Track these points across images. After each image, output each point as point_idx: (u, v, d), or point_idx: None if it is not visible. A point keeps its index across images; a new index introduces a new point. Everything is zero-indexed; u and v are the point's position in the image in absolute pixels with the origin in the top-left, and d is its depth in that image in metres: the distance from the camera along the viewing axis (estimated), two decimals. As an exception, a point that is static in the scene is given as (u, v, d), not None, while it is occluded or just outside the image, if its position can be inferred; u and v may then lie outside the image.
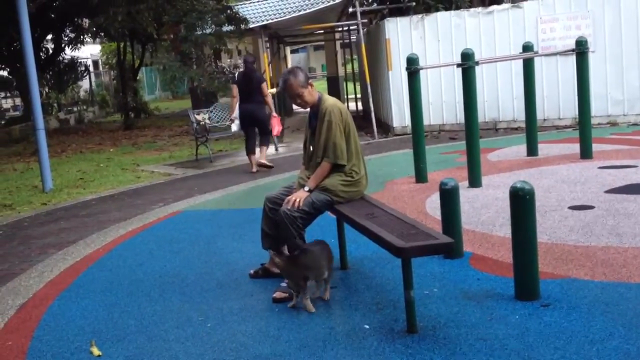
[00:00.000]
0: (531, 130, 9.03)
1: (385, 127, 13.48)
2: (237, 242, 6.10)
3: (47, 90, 24.14)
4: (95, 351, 3.86)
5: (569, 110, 11.87)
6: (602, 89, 11.79)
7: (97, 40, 29.49)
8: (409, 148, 10.31)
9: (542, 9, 12.06)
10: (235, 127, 11.09)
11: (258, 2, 23.99)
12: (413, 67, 7.56)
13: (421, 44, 12.76)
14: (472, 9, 12.86)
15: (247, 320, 4.20)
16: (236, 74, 11.07)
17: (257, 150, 10.57)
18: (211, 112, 12.77)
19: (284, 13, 15.96)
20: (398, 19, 12.95)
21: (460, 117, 12.34)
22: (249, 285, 4.86)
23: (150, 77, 38.36)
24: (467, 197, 6.89)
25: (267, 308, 4.39)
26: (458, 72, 11.45)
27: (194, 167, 11.52)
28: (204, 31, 17.53)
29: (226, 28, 17.70)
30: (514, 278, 4.08)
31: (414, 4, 13.00)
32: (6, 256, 6.44)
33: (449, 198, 4.91)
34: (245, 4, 19.65)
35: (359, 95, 22.04)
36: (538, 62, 10.53)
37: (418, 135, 7.86)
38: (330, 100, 4.71)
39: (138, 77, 27.05)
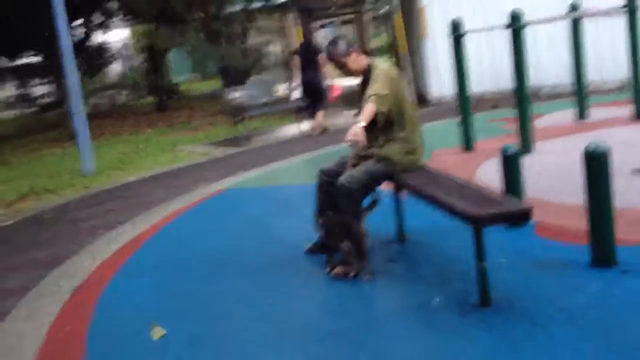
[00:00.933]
0: (581, 93, 8.71)
1: (421, 98, 13.21)
2: (286, 219, 5.96)
3: (79, 75, 24.18)
4: (158, 331, 3.76)
5: (612, 73, 11.44)
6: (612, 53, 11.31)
7: (127, 23, 29.45)
8: (449, 118, 10.13)
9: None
10: (297, 94, 11.75)
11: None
12: (458, 33, 7.29)
13: (457, 7, 12.40)
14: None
15: (308, 297, 4.08)
16: (298, 46, 12.18)
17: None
18: (246, 89, 12.61)
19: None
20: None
21: (501, 84, 12.06)
22: (306, 261, 4.72)
23: (179, 58, 38.27)
24: (527, 164, 6.62)
25: (327, 283, 4.25)
26: (499, 37, 11.30)
27: (232, 145, 11.40)
28: (234, 8, 17.40)
29: (255, 5, 17.57)
30: (591, 244, 3.86)
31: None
32: (55, 239, 6.41)
33: (510, 165, 4.70)
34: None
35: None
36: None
37: (465, 103, 7.61)
38: (382, 65, 4.53)
39: (168, 59, 26.98)
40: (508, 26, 7.01)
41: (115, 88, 28.03)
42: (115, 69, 29.37)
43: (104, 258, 5.42)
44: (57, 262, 5.52)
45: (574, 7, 8.45)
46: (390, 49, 20.62)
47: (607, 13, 9.77)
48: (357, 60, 4.54)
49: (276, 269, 4.66)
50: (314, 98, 11.41)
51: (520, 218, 3.29)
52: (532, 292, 3.65)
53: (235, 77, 18.45)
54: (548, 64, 11.90)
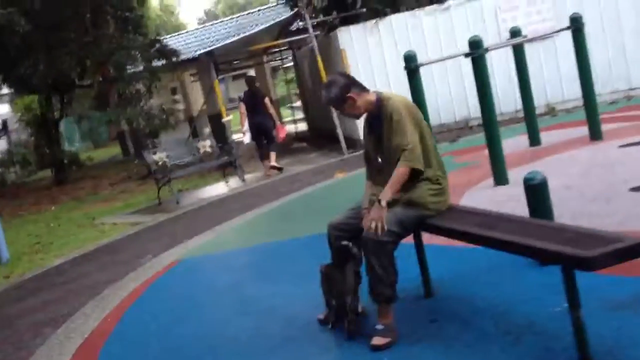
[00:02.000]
0: (531, 118, 8.51)
1: (350, 142, 12.77)
2: (271, 285, 5.20)
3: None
4: None
5: (542, 97, 11.49)
6: (572, 71, 11.46)
7: (6, 97, 27.74)
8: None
9: (500, -2, 11.73)
10: (247, 139, 12.12)
11: (187, 33, 23.14)
12: (414, 64, 6.86)
13: (378, 50, 12.17)
14: (427, 7, 12.38)
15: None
16: (243, 94, 12.57)
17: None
18: (166, 150, 11.72)
19: (220, 39, 15.11)
20: (351, 27, 12.30)
21: (445, 118, 11.84)
22: (324, 334, 3.98)
23: (68, 128, 36.47)
24: (505, 195, 6.24)
25: (370, 357, 3.53)
26: (450, 67, 11.08)
27: (162, 212, 10.43)
28: (135, 69, 16.47)
29: (157, 64, 16.72)
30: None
31: (364, 10, 12.41)
32: (-10, 347, 5.30)
33: (538, 194, 4.19)
34: (175, 36, 18.71)
35: (296, 117, 21.40)
36: (496, 54, 9.95)
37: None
38: (395, 98, 3.93)
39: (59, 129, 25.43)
40: (467, 55, 6.68)
41: (2, 166, 26.04)
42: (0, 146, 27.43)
43: (67, 362, 4.44)
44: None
45: (513, 34, 8.29)
46: (301, 96, 20.26)
47: (554, 33, 9.68)
48: (356, 104, 3.90)
49: (292, 347, 3.89)
50: (265, 140, 11.99)
51: (634, 254, 2.73)
52: (630, 339, 3.10)
53: (137, 140, 17.35)
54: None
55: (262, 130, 11.84)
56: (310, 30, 12.07)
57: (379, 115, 3.88)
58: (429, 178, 3.82)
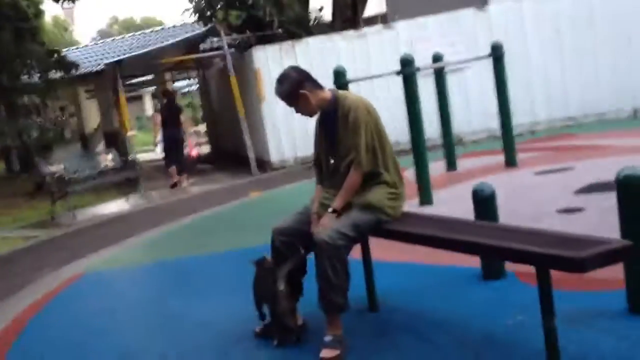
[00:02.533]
0: (449, 143, 8.57)
1: (260, 163, 12.47)
2: (196, 299, 4.78)
3: None
4: None
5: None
6: (480, 104, 11.79)
7: None
8: (297, 181, 9.55)
9: (415, 29, 11.89)
10: (159, 150, 13.24)
11: (85, 47, 22.08)
12: (343, 81, 6.70)
13: (294, 71, 12.01)
14: (344, 32, 12.38)
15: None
16: (160, 105, 13.80)
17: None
18: (64, 163, 10.97)
19: (123, 54, 14.45)
20: (267, 47, 12.09)
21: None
22: (264, 349, 3.65)
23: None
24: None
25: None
26: (378, 89, 10.95)
27: (56, 227, 9.68)
28: (31, 78, 15.51)
29: (54, 76, 15.82)
30: (627, 290, 3.30)
31: (280, 31, 12.25)
32: None
33: (486, 207, 4.07)
34: (73, 49, 17.81)
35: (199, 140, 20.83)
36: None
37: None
38: (352, 97, 3.71)
39: None
40: (399, 73, 6.61)
41: None
42: None
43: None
44: None
45: (436, 59, 8.36)
46: (205, 115, 19.49)
47: (473, 59, 9.82)
48: (309, 101, 3.63)
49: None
50: (175, 153, 12.41)
51: (623, 256, 2.62)
52: (595, 351, 2.99)
53: (27, 155, 16.21)
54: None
55: (175, 144, 12.32)
56: (225, 46, 11.76)
57: (334, 114, 3.64)
58: (386, 182, 3.61)
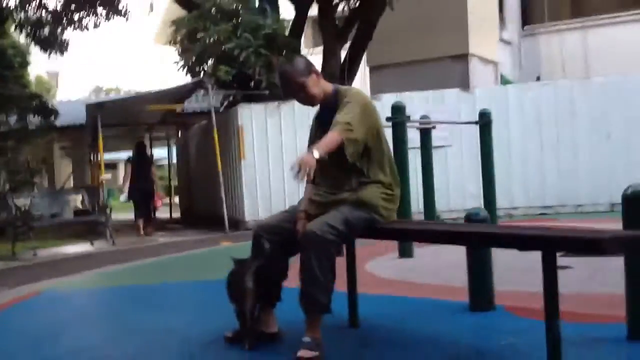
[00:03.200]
0: (430, 209, 8.42)
1: (233, 222, 12.19)
2: (160, 315, 4.46)
3: None
4: None
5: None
6: (459, 182, 11.79)
7: None
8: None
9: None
10: (123, 198, 13.66)
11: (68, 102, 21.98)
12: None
13: (277, 132, 11.98)
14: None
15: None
16: (130, 156, 13.34)
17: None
18: (34, 197, 10.61)
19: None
20: (252, 105, 12.10)
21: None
22: (236, 353, 3.35)
23: None
24: (413, 264, 5.98)
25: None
26: None
27: (14, 260, 9.22)
28: (9, 118, 15.29)
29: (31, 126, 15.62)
30: (630, 319, 3.13)
31: (267, 92, 12.29)
32: None
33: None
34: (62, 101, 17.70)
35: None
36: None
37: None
38: (355, 90, 3.61)
39: None
40: (389, 119, 6.56)
41: None
42: None
43: None
44: None
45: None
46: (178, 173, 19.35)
47: (465, 123, 9.81)
48: (320, 84, 3.52)
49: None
50: (143, 205, 12.58)
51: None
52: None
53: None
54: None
55: (145, 194, 12.49)
56: (211, 99, 11.74)
57: (334, 106, 3.49)
58: (381, 182, 3.43)
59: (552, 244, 2.42)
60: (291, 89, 3.54)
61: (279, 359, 3.12)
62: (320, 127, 3.59)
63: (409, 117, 6.65)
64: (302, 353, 3.06)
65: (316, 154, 3.14)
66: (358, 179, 3.40)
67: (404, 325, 3.72)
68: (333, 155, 3.38)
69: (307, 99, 3.55)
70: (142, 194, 12.40)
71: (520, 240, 2.63)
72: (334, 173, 3.42)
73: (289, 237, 3.38)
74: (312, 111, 12.28)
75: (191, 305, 4.59)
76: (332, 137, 3.26)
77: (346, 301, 3.74)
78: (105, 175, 11.37)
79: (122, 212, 16.25)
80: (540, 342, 2.74)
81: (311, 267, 3.14)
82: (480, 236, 2.82)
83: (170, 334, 3.81)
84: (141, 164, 12.49)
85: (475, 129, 8.81)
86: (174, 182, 22.07)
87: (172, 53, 13.90)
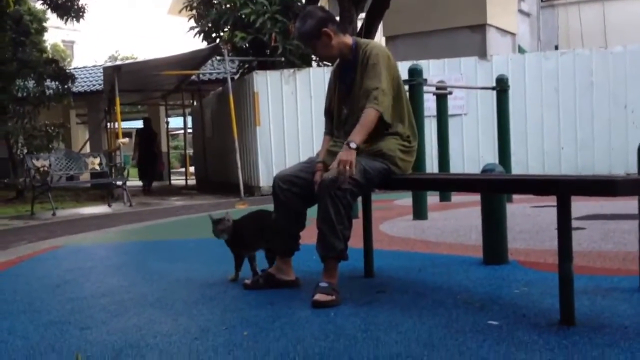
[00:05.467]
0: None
1: (248, 188, 12.31)
2: (181, 265, 4.56)
3: None
4: None
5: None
6: (474, 152, 11.82)
7: None
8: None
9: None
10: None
11: (84, 68, 22.08)
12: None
13: (292, 99, 12.02)
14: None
15: (299, 326, 2.82)
16: (138, 129, 16.93)
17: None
18: (51, 158, 10.74)
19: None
20: (268, 72, 12.13)
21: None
22: (252, 295, 3.44)
23: None
24: (428, 225, 6.05)
25: (310, 314, 3.02)
26: None
27: (34, 219, 9.39)
28: (26, 83, 15.40)
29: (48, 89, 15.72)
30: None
31: (282, 59, 12.30)
32: None
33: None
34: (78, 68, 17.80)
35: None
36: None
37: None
38: (374, 43, 3.62)
39: None
40: (406, 82, 6.57)
41: None
42: None
43: None
44: None
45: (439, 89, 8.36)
46: (194, 142, 19.51)
47: (481, 88, 9.85)
48: (331, 45, 3.49)
49: (202, 306, 3.31)
50: (148, 169, 15.75)
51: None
52: (610, 315, 2.84)
53: (10, 159, 15.86)
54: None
55: (151, 161, 15.70)
56: (227, 65, 11.76)
57: (354, 61, 3.52)
58: (399, 134, 3.48)
59: (566, 186, 2.47)
60: (308, 46, 3.62)
61: (297, 304, 3.18)
62: (341, 81, 3.63)
63: (425, 80, 6.65)
64: (318, 297, 3.14)
65: (353, 145, 3.21)
66: (376, 129, 3.44)
67: (418, 276, 3.78)
68: (356, 109, 3.43)
69: (323, 56, 3.66)
70: (147, 161, 15.44)
71: (535, 185, 2.67)
72: (353, 124, 3.44)
73: (306, 187, 3.44)
74: (326, 78, 12.49)
75: (212, 258, 4.67)
76: (368, 118, 3.31)
77: (361, 256, 3.82)
78: (123, 140, 11.48)
79: (133, 177, 16.55)
80: (553, 290, 2.81)
81: (328, 214, 3.20)
82: (496, 183, 2.87)
83: (191, 281, 3.91)
84: (146, 137, 15.65)
85: (492, 98, 8.82)
86: (189, 152, 22.24)
87: (185, 24, 13.87)
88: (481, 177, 2.91)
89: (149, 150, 15.48)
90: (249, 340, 2.62)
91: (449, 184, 3.14)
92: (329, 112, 3.74)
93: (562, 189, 2.47)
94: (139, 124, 18.51)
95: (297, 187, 3.49)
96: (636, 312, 2.81)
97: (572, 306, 2.63)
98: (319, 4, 13.91)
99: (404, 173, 3.49)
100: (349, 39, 3.57)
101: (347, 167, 3.16)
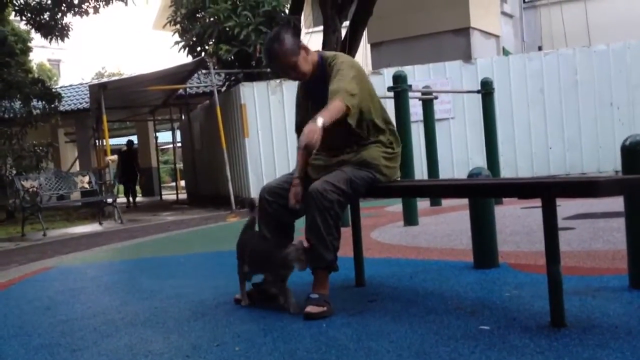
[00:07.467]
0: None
1: (238, 201, 12.27)
2: (171, 281, 4.55)
3: None
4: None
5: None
6: (463, 155, 11.86)
7: None
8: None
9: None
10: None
11: (70, 86, 22.00)
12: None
13: (280, 109, 12.03)
14: (332, 75, 12.45)
15: (291, 339, 2.82)
16: (121, 150, 18.44)
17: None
18: (42, 178, 10.70)
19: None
20: (254, 83, 12.13)
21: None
22: (244, 310, 3.43)
23: None
24: (418, 231, 6.06)
25: (302, 327, 3.02)
26: None
27: (24, 240, 9.34)
28: (12, 104, 15.34)
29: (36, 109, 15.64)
30: (631, 268, 3.19)
31: (268, 70, 12.29)
32: None
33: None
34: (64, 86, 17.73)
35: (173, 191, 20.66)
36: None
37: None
38: (339, 54, 3.56)
39: None
40: (390, 89, 6.61)
41: None
42: None
43: None
44: None
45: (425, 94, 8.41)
46: (183, 158, 19.49)
47: (466, 92, 9.91)
48: (308, 58, 3.45)
49: (195, 322, 3.30)
50: (131, 184, 17.86)
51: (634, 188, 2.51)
52: (600, 315, 2.85)
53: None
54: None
55: (133, 179, 18.05)
56: (213, 79, 11.76)
57: (322, 75, 3.43)
58: (381, 141, 3.48)
59: (551, 189, 2.48)
60: (281, 68, 3.47)
61: (288, 317, 3.17)
62: (311, 96, 3.56)
63: (410, 86, 6.68)
64: (310, 309, 3.14)
65: (320, 122, 3.11)
66: (358, 140, 3.44)
67: (409, 283, 3.79)
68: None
69: (298, 76, 3.48)
70: (128, 175, 17.25)
71: (521, 189, 2.69)
72: (334, 136, 3.34)
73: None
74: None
75: (202, 274, 4.67)
76: (336, 106, 3.23)
77: (352, 265, 3.82)
78: (112, 157, 11.45)
79: (120, 194, 16.68)
80: (544, 292, 2.81)
81: (316, 225, 3.20)
82: (480, 188, 2.88)
83: (182, 297, 3.90)
84: (129, 156, 17.64)
85: (479, 101, 8.86)
86: (179, 166, 22.20)
87: (170, 38, 13.84)
88: (466, 182, 2.92)
89: (130, 169, 17.25)
90: (241, 356, 2.61)
91: (434, 190, 3.14)
92: (300, 129, 3.65)
93: (545, 192, 2.48)
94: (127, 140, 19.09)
95: (283, 199, 3.48)
96: (626, 311, 2.83)
97: (562, 308, 2.64)
98: (302, 15, 13.96)
99: (390, 179, 3.49)
100: (315, 55, 3.52)
101: (315, 136, 3.06)
